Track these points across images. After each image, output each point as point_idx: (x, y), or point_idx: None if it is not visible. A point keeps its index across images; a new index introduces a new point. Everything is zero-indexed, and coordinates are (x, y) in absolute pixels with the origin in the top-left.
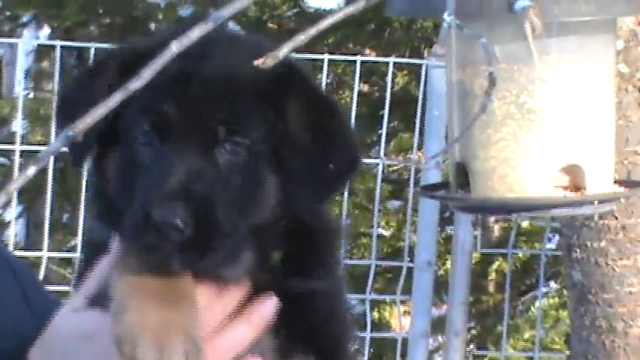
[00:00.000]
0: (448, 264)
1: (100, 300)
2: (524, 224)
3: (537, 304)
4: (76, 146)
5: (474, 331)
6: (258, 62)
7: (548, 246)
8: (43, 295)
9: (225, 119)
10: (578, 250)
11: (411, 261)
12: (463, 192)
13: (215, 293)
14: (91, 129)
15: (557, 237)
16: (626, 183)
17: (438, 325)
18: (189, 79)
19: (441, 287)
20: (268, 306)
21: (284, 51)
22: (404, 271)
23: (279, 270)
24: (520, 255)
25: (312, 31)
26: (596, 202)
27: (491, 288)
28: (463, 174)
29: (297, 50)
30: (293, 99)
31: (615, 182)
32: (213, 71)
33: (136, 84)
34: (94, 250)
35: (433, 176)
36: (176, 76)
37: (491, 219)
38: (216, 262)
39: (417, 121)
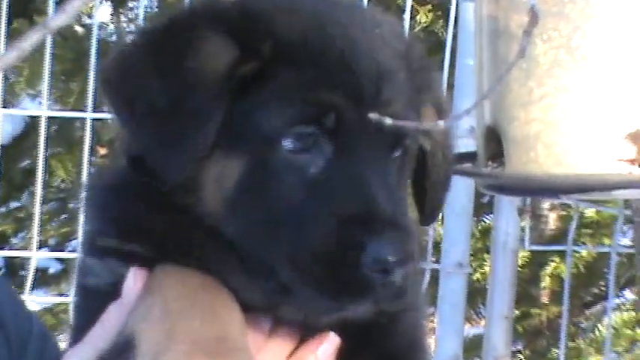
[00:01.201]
0: (486, 266)
1: (115, 353)
2: (589, 212)
3: (606, 319)
4: (176, 158)
5: (520, 356)
6: None
7: (622, 242)
8: (19, 317)
9: (403, 116)
10: None
11: (437, 262)
12: (495, 166)
13: (264, 338)
14: (204, 134)
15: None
16: None
17: (473, 347)
18: (355, 64)
19: (476, 296)
20: (325, 347)
21: None
22: (427, 275)
23: None
24: (583, 253)
25: None
26: None
27: (544, 298)
28: (496, 142)
29: None
30: (437, 88)
31: None
32: (382, 57)
33: (59, 20)
34: (99, 297)
35: (465, 147)
36: (335, 56)
37: (545, 205)
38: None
39: (445, 71)
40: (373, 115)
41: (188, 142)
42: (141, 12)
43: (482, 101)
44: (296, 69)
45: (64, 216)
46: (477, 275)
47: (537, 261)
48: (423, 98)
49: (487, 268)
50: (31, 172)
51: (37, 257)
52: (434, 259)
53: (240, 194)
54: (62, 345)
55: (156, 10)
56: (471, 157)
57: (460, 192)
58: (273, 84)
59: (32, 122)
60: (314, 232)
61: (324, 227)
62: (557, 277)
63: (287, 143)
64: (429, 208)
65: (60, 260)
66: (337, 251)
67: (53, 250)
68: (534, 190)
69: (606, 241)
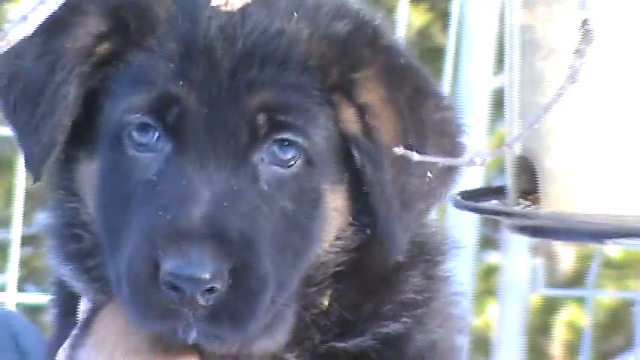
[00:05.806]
0: (491, 311)
1: None
2: (612, 252)
3: None
4: (34, 147)
5: None
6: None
7: None
8: None
9: (270, 104)
10: None
11: None
12: (528, 204)
13: None
14: (57, 120)
15: None
16: None
17: None
18: (211, 45)
19: (479, 348)
20: None
21: None
22: None
23: (325, 325)
24: (605, 299)
25: None
26: None
27: (557, 350)
28: (529, 174)
29: None
30: (372, 74)
31: None
32: (249, 33)
33: (20, 31)
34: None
35: (469, 177)
36: (190, 40)
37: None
38: (255, 333)
39: (445, 83)
40: (398, 150)
41: (45, 128)
42: None
43: (512, 126)
44: (150, 54)
45: None
46: (479, 323)
47: (551, 307)
48: (338, 84)
49: (492, 316)
50: None
51: None
52: None
53: (100, 200)
54: None
55: None
56: (491, 192)
57: (463, 227)
58: (126, 74)
59: None
60: (132, 247)
61: (135, 241)
62: (572, 327)
63: (126, 140)
64: (388, 239)
65: None
66: (138, 264)
67: None
68: (576, 233)
69: (631, 285)
